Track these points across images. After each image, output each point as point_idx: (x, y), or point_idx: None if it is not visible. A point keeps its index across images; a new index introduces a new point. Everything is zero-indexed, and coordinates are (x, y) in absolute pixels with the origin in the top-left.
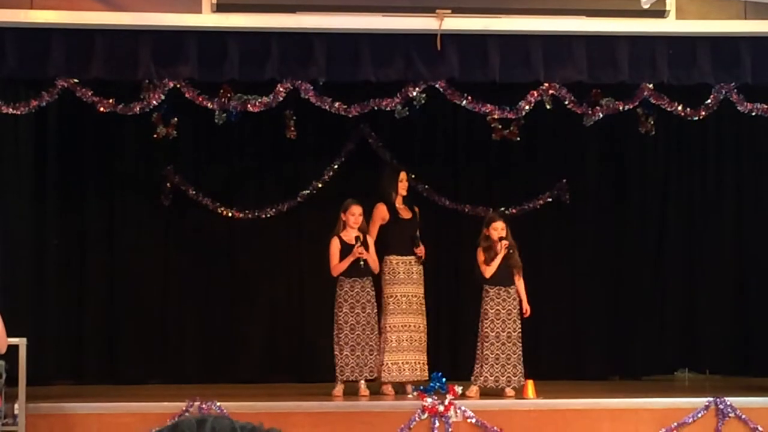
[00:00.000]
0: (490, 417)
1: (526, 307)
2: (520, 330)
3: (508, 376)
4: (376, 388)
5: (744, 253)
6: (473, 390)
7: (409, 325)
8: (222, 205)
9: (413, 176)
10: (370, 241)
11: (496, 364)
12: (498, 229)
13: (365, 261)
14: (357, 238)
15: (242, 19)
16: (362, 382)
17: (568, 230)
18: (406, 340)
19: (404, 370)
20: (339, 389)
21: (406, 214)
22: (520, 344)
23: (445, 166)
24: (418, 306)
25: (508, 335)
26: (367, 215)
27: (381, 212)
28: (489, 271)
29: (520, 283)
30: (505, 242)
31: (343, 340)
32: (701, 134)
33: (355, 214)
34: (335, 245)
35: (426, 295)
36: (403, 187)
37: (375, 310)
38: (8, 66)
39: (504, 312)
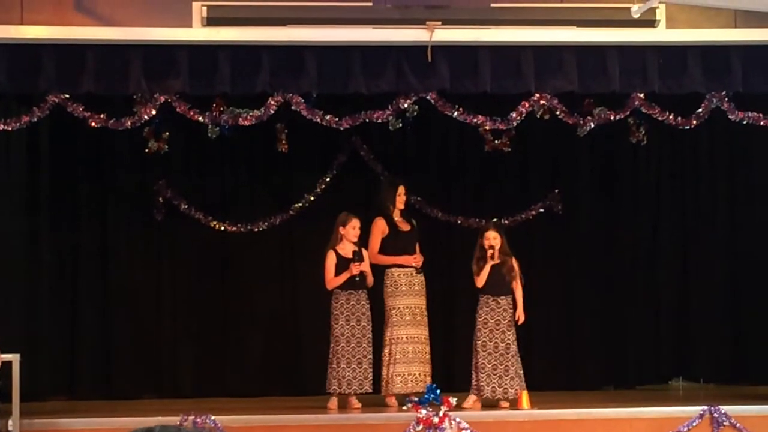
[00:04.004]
0: (485, 428)
1: (519, 314)
2: (512, 340)
3: (505, 388)
4: (380, 400)
5: (737, 262)
6: (471, 400)
7: (413, 337)
8: (214, 219)
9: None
10: (365, 253)
11: (494, 374)
12: (489, 238)
13: (361, 274)
14: (354, 253)
15: (233, 33)
16: (353, 396)
17: (561, 240)
18: (411, 352)
19: (408, 381)
20: (333, 402)
21: (404, 226)
22: (518, 355)
23: (437, 178)
24: (421, 317)
25: (506, 346)
26: (365, 228)
27: (380, 226)
28: (480, 280)
29: (518, 291)
30: (491, 250)
31: (340, 353)
32: (693, 143)
33: (355, 227)
34: (331, 259)
35: None
36: (401, 201)
37: (370, 323)
38: None
39: (492, 321)
